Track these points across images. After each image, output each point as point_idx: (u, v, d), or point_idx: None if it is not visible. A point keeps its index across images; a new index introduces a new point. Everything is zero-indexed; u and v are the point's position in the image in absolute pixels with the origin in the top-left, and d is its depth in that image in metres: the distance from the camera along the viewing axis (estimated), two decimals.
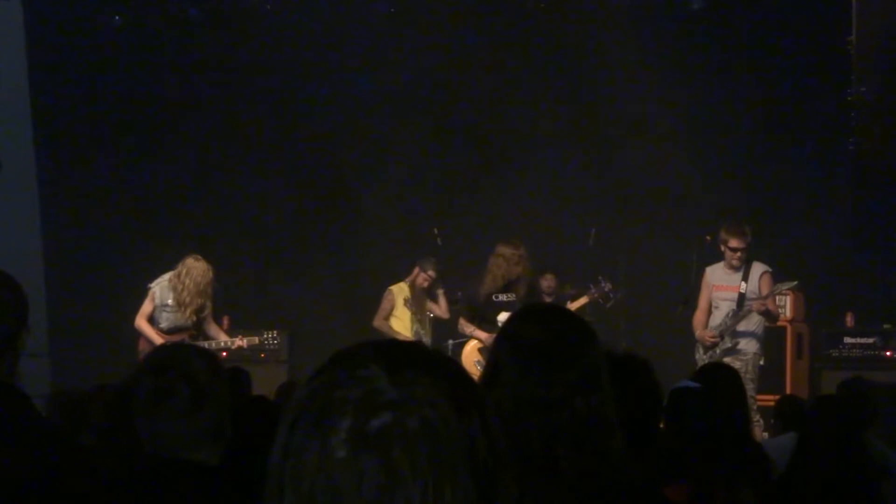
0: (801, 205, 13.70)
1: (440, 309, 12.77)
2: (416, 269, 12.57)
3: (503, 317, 11.42)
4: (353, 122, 14.79)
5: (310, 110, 14.82)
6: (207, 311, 11.38)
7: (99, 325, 13.92)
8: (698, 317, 11.36)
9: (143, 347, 11.26)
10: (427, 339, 12.33)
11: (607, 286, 12.55)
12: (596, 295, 12.54)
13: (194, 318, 11.22)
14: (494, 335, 10.69)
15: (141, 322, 11.42)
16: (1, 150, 12.96)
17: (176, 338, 11.18)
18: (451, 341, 12.24)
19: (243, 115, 14.84)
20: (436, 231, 13.22)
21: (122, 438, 4.20)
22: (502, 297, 11.38)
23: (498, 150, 14.38)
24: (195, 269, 11.14)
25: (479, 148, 14.54)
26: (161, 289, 11.32)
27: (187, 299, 11.16)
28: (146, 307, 11.39)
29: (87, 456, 3.39)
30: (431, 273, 12.49)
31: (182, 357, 3.50)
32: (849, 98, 12.90)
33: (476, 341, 11.56)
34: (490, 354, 2.99)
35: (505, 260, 11.38)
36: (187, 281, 11.20)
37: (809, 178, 13.74)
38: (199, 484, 3.31)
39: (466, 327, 11.67)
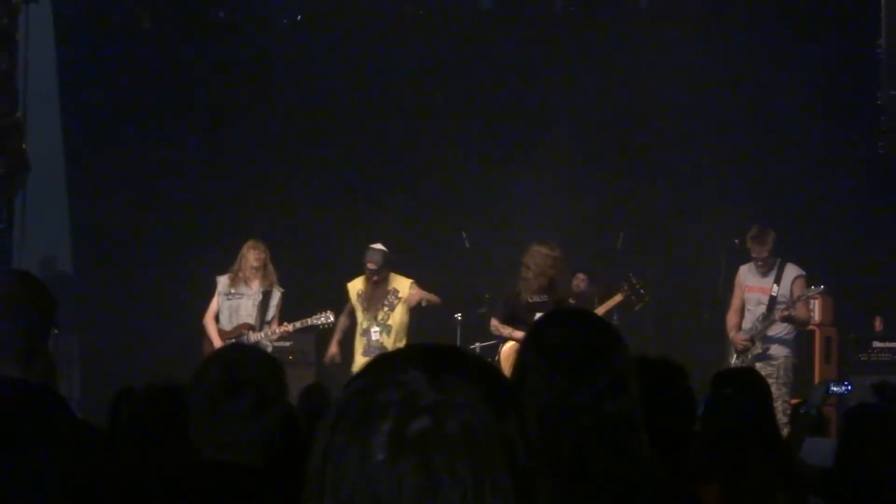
0: (830, 208, 13.65)
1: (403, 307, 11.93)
2: None
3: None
4: (382, 125, 14.83)
5: (338, 113, 14.86)
6: (273, 313, 11.57)
7: (129, 326, 13.97)
8: (730, 317, 11.33)
9: (207, 348, 11.42)
10: (385, 340, 11.71)
11: (638, 283, 12.06)
12: (629, 292, 12.00)
13: (254, 297, 11.44)
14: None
15: (208, 320, 11.68)
16: (30, 153, 13.00)
17: (234, 333, 11.38)
18: (478, 344, 12.18)
19: (275, 116, 14.90)
20: (464, 234, 13.21)
21: (149, 440, 4.21)
22: (537, 299, 11.20)
23: (526, 152, 14.35)
24: (245, 246, 11.69)
25: (507, 150, 14.52)
26: (223, 278, 11.62)
27: (242, 271, 11.49)
28: (213, 303, 11.66)
29: (122, 458, 3.40)
30: (370, 265, 11.82)
31: (249, 361, 3.47)
32: (878, 101, 12.82)
33: (514, 343, 11.33)
34: (517, 358, 2.99)
35: (539, 260, 11.28)
36: (242, 260, 11.65)
37: (839, 181, 13.69)
38: (240, 488, 3.30)
39: (503, 329, 11.38)
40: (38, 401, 3.21)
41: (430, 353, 1.51)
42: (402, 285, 11.91)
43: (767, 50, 14.02)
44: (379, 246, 11.92)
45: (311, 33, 14.91)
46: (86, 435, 3.24)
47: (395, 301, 11.88)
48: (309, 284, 13.84)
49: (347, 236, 14.23)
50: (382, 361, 1.51)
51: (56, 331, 3.41)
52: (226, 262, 11.85)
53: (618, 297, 11.95)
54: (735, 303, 11.37)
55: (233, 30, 14.94)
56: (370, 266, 11.82)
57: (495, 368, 1.56)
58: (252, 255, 11.60)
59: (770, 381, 10.19)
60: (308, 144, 14.94)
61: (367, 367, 1.51)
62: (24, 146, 12.85)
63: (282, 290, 11.77)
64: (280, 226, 14.30)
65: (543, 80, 14.73)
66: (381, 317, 11.88)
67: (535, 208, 14.05)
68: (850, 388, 8.34)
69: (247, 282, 11.62)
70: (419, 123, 14.77)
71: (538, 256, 11.24)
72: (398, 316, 11.88)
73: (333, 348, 12.13)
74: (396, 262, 12.06)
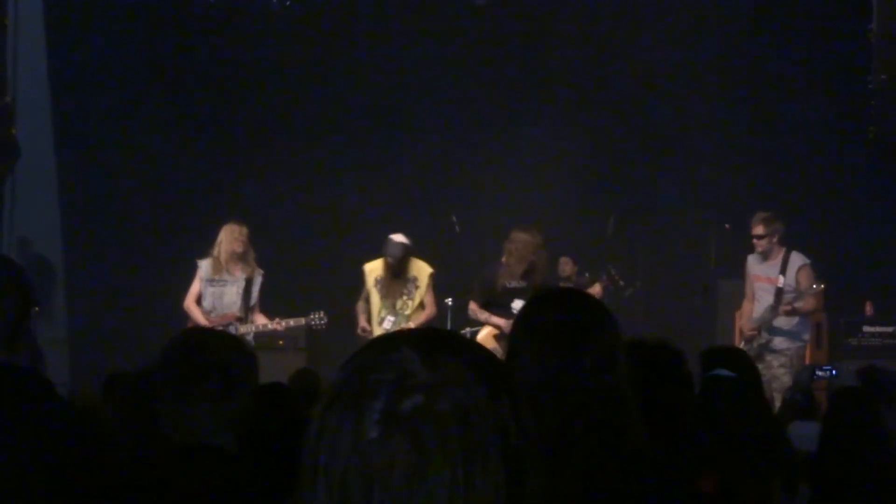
0: (820, 193, 13.67)
1: (428, 308, 11.75)
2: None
3: (517, 304, 11.30)
4: (370, 109, 14.82)
5: (327, 98, 14.84)
6: (255, 299, 11.49)
7: (118, 311, 13.95)
8: (745, 305, 11.43)
9: None
10: (400, 326, 11.42)
11: (617, 276, 11.88)
12: (607, 283, 11.82)
13: (237, 283, 11.35)
14: (511, 321, 10.29)
15: (189, 304, 11.57)
16: (20, 137, 12.99)
17: (221, 320, 11.30)
18: (468, 329, 12.17)
19: (265, 101, 14.90)
20: (454, 219, 13.17)
21: (140, 425, 4.21)
22: (515, 284, 11.20)
23: (516, 137, 14.35)
24: (226, 228, 11.51)
25: (498, 135, 14.51)
26: (205, 263, 11.51)
27: (222, 255, 11.39)
28: (194, 287, 11.55)
29: (109, 442, 3.40)
30: (389, 259, 11.60)
31: (212, 342, 3.48)
32: (869, 86, 12.85)
33: (490, 328, 11.33)
34: (508, 339, 3.01)
35: (521, 247, 11.28)
36: (220, 239, 11.50)
37: (828, 166, 13.71)
38: (220, 470, 3.31)
39: (480, 314, 11.39)
40: (24, 383, 3.20)
41: (424, 335, 1.53)
42: (422, 273, 11.71)
43: (759, 34, 14.02)
44: (399, 238, 11.64)
45: (300, 20, 14.88)
46: (71, 417, 3.24)
47: (414, 290, 11.70)
48: (295, 269, 13.85)
49: (336, 219, 14.25)
50: (377, 343, 1.53)
51: (37, 308, 3.41)
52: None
53: (595, 289, 11.83)
54: (748, 292, 11.47)
55: (222, 16, 14.91)
56: (390, 260, 11.61)
57: (489, 351, 1.57)
58: (233, 242, 11.48)
59: (782, 370, 10.38)
60: (296, 129, 14.92)
61: (363, 349, 1.53)
62: (13, 131, 12.83)
63: (262, 272, 11.69)
64: (269, 209, 14.30)
65: (535, 62, 14.71)
66: (400, 306, 11.68)
67: (525, 193, 14.05)
68: (834, 372, 8.37)
69: (228, 268, 11.53)
70: (409, 107, 14.77)
71: (520, 242, 11.23)
72: (416, 304, 11.70)
73: (363, 323, 11.91)
74: (416, 249, 11.82)
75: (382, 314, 11.72)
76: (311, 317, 11.62)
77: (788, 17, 13.94)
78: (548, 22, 14.63)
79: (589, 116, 14.43)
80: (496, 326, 11.27)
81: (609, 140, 14.51)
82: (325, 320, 11.61)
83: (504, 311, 11.21)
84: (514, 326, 3.03)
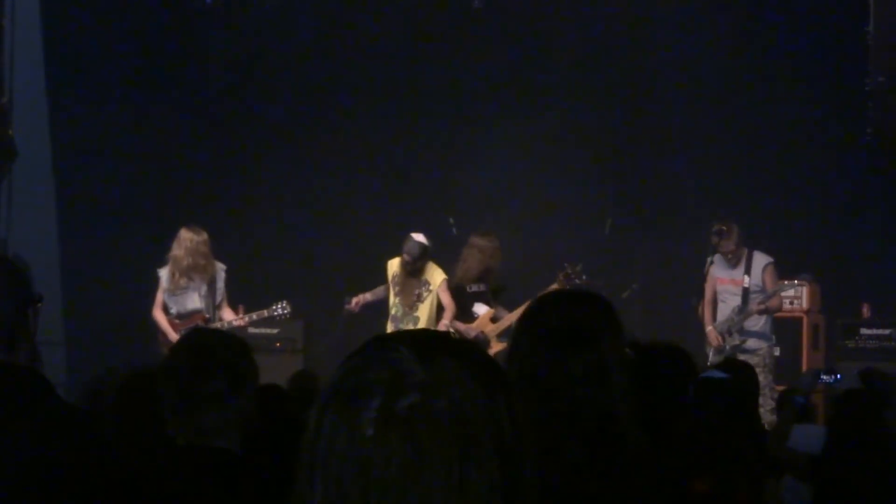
0: (817, 195, 13.67)
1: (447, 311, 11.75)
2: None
3: (478, 307, 11.50)
4: (365, 107, 14.79)
5: (320, 97, 14.84)
6: (221, 294, 11.39)
7: (114, 312, 13.92)
8: (705, 310, 11.45)
9: (162, 340, 11.24)
10: (408, 327, 11.34)
11: (572, 271, 11.76)
12: (563, 282, 11.64)
13: (199, 287, 11.23)
14: (472, 325, 10.40)
15: (156, 313, 11.44)
16: (17, 138, 12.97)
17: (187, 323, 11.15)
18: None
19: (261, 101, 14.89)
20: (451, 221, 13.17)
21: (136, 422, 4.19)
22: (475, 288, 11.53)
23: (512, 138, 14.33)
24: (183, 236, 11.27)
25: (496, 134, 14.49)
26: (165, 272, 11.40)
27: (180, 268, 11.22)
28: (158, 296, 11.43)
29: (111, 442, 3.38)
30: (405, 256, 11.65)
31: (217, 343, 3.48)
32: (866, 88, 12.85)
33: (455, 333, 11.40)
34: (512, 335, 3.00)
35: (480, 251, 11.51)
36: (177, 251, 11.27)
37: (825, 168, 13.70)
38: (226, 471, 3.31)
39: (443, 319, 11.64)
40: (24, 384, 3.19)
41: (420, 335, 1.54)
42: (435, 278, 11.72)
43: (755, 36, 14.00)
44: (419, 238, 11.68)
45: (294, 18, 14.87)
46: (72, 418, 3.23)
47: (426, 293, 11.74)
48: (304, 277, 13.84)
49: (336, 220, 14.24)
50: (375, 342, 1.54)
51: (41, 303, 3.40)
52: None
53: (552, 287, 11.74)
54: (707, 294, 11.56)
55: (220, 15, 14.89)
56: (406, 257, 11.65)
57: (485, 351, 1.58)
58: (192, 254, 11.17)
59: (756, 370, 10.40)
60: (293, 129, 14.91)
61: (360, 348, 1.53)
62: (10, 132, 12.83)
63: (224, 266, 11.54)
64: (272, 217, 14.31)
65: (532, 64, 14.69)
66: (411, 306, 11.73)
67: (523, 195, 14.04)
68: (839, 377, 8.36)
69: (189, 275, 11.27)
70: (402, 106, 14.73)
71: (476, 247, 11.59)
72: (426, 308, 11.74)
73: (365, 296, 11.93)
74: (433, 252, 11.83)
75: (393, 311, 11.80)
76: (274, 307, 11.55)
77: (785, 18, 13.92)
78: (547, 23, 14.60)
79: (587, 118, 14.41)
80: (458, 331, 11.36)
81: (607, 141, 14.49)
82: (289, 309, 11.54)
83: (465, 315, 11.59)
84: (517, 324, 3.02)
